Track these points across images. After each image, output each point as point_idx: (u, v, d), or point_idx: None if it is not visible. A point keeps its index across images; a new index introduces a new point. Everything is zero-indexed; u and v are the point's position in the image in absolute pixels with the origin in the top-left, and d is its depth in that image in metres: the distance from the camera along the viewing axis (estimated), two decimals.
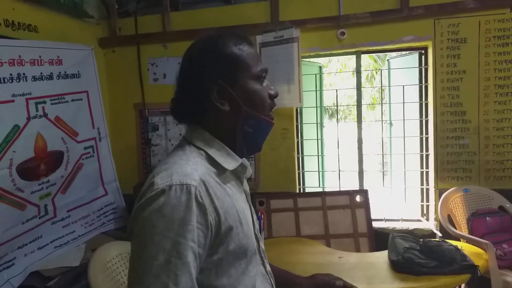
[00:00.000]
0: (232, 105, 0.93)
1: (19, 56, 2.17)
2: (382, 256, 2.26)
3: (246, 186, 1.04)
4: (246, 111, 0.93)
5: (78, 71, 2.64)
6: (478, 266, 2.00)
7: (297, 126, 3.10)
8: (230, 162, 0.94)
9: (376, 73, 9.40)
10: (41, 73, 2.33)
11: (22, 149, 2.17)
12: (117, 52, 3.19)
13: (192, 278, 0.79)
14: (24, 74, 2.20)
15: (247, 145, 0.98)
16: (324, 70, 3.64)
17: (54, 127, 2.42)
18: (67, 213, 2.56)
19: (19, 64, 2.18)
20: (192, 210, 0.80)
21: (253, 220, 1.00)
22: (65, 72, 2.51)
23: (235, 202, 0.91)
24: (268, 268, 1.03)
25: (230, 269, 0.88)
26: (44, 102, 2.34)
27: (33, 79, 2.26)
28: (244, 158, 1.03)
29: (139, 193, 0.87)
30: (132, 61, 3.16)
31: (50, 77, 2.39)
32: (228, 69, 0.92)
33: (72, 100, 2.59)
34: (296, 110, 3.07)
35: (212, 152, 0.92)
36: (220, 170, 0.92)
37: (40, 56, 2.32)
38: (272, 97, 0.99)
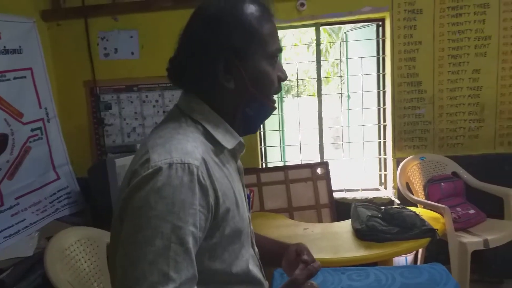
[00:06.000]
0: (238, 83, 0.84)
1: None
2: (345, 226, 2.31)
3: (239, 163, 0.97)
4: (251, 93, 0.85)
5: (20, 46, 2.43)
6: (437, 230, 2.09)
7: None
8: (229, 140, 0.86)
9: (331, 46, 9.49)
10: None
11: None
12: (63, 26, 2.95)
13: (194, 265, 0.72)
14: None
15: (244, 126, 0.91)
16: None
17: None
18: (16, 200, 2.39)
19: None
20: (195, 192, 0.73)
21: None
22: (4, 47, 2.29)
23: (232, 183, 0.85)
24: (256, 250, 0.99)
25: (224, 254, 0.82)
26: None
27: None
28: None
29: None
30: (79, 35, 2.94)
31: None
32: (243, 42, 0.83)
33: (15, 78, 2.39)
34: None
35: (211, 128, 0.84)
36: (218, 147, 0.85)
37: None
38: (281, 80, 0.91)
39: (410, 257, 2.72)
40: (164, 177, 0.72)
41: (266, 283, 0.98)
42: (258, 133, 3.03)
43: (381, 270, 1.36)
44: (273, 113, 0.94)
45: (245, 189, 0.98)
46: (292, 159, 3.24)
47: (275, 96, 0.95)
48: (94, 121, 3.05)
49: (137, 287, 0.68)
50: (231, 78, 0.84)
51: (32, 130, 2.52)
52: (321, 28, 2.99)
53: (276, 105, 0.93)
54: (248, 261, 0.90)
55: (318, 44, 2.96)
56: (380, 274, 1.33)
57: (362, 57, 3.03)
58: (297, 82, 3.25)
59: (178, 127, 0.82)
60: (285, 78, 0.92)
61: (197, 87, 0.87)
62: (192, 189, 0.73)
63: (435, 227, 2.11)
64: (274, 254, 1.06)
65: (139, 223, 0.71)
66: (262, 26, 0.85)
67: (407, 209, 2.28)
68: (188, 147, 0.77)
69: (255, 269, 0.92)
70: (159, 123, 0.89)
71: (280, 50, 0.90)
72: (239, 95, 0.86)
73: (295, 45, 8.66)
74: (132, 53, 2.92)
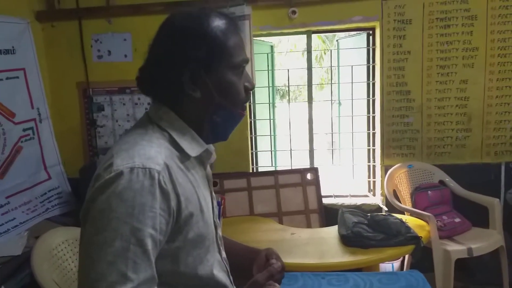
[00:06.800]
0: (204, 93, 0.88)
1: None
2: (332, 231, 2.34)
3: (208, 171, 1.00)
4: (218, 102, 0.88)
5: (13, 47, 2.45)
6: (421, 237, 2.12)
7: (249, 106, 3.08)
8: (194, 148, 0.89)
9: (325, 53, 9.57)
10: None
11: None
12: (57, 27, 2.97)
13: (153, 267, 0.75)
14: None
15: (214, 134, 0.94)
16: (275, 50, 3.65)
17: None
18: (6, 199, 2.40)
19: None
20: (156, 196, 0.75)
21: (212, 206, 0.97)
22: None
23: (197, 188, 0.88)
24: (224, 255, 1.01)
25: (187, 258, 0.85)
26: None
27: None
28: (211, 144, 0.98)
29: (94, 173, 0.81)
30: (73, 37, 2.96)
31: None
32: (207, 54, 0.86)
33: (7, 78, 2.41)
34: None
35: (176, 135, 0.87)
36: (183, 154, 0.87)
37: None
38: (248, 90, 0.94)
39: (396, 263, 2.75)
40: (125, 181, 0.74)
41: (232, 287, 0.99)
42: (249, 137, 3.06)
43: (360, 276, 1.39)
44: (241, 120, 0.96)
45: (214, 195, 1.00)
46: (285, 164, 3.27)
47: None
48: (87, 122, 3.06)
49: (96, 286, 0.70)
50: (197, 88, 0.87)
51: (24, 130, 2.54)
52: (316, 35, 3.03)
53: (244, 112, 0.95)
54: (213, 266, 0.92)
55: (309, 51, 3.00)
56: (358, 280, 1.36)
57: (352, 65, 3.07)
58: (288, 88, 3.28)
59: (144, 134, 0.85)
60: (252, 87, 0.95)
61: (164, 97, 0.90)
62: (153, 193, 0.75)
63: (420, 235, 2.15)
64: (245, 259, 1.07)
65: (100, 225, 0.73)
66: (227, 39, 0.88)
67: (393, 216, 2.32)
68: (151, 153, 0.80)
69: (220, 274, 0.94)
70: (128, 130, 0.92)
71: (246, 61, 0.93)
72: (206, 105, 0.89)
73: (290, 51, 8.72)
74: (125, 56, 2.94)
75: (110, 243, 0.72)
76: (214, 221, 0.97)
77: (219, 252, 0.99)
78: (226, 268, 1.00)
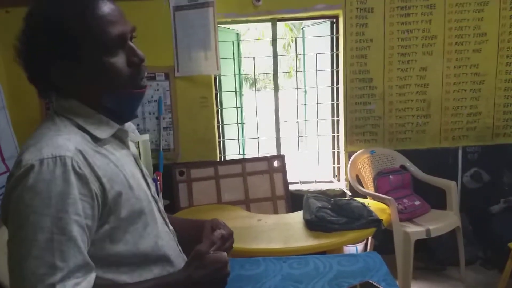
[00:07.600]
0: (83, 83, 0.84)
1: None
2: (297, 217, 2.38)
3: (133, 149, 1.00)
4: (101, 88, 0.85)
5: None
6: (382, 220, 2.19)
7: (216, 94, 3.07)
8: (104, 130, 0.87)
9: (292, 41, 9.60)
10: None
11: None
12: (12, 13, 2.85)
13: (82, 252, 0.74)
14: None
15: (118, 116, 0.91)
16: (242, 38, 3.63)
17: None
18: None
19: None
20: (71, 182, 0.74)
21: (147, 183, 0.98)
22: None
23: (121, 167, 0.87)
24: (171, 227, 1.03)
25: (125, 235, 0.85)
26: None
27: None
28: (130, 123, 0.97)
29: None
30: None
31: None
32: (71, 45, 0.80)
33: None
34: (215, 78, 3.03)
35: (82, 121, 0.85)
36: (96, 138, 0.85)
37: None
38: (137, 63, 0.86)
39: (360, 246, 2.84)
40: (35, 174, 0.73)
41: (183, 257, 1.01)
42: (216, 126, 3.05)
43: (320, 258, 1.43)
44: (142, 96, 0.91)
45: (145, 172, 1.00)
46: (253, 152, 3.29)
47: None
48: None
49: (26, 284, 0.70)
50: (72, 82, 0.84)
51: None
52: (283, 23, 3.04)
53: (142, 89, 0.89)
54: (158, 238, 0.92)
55: (274, 39, 3.00)
56: (319, 263, 1.40)
57: (316, 53, 3.10)
58: (254, 76, 3.28)
59: (51, 125, 0.84)
60: (139, 60, 0.87)
61: (49, 91, 0.87)
62: (67, 179, 0.74)
63: (381, 218, 2.22)
64: (192, 233, 1.08)
65: (19, 222, 0.72)
66: (92, 20, 0.81)
67: (355, 200, 2.38)
68: (59, 141, 0.78)
69: (168, 245, 0.95)
70: (38, 126, 0.88)
71: (123, 35, 0.84)
72: (91, 93, 0.86)
73: (258, 39, 8.70)
74: None
75: (32, 238, 0.71)
76: (154, 197, 0.98)
77: (166, 224, 1.00)
78: (175, 238, 1.02)
